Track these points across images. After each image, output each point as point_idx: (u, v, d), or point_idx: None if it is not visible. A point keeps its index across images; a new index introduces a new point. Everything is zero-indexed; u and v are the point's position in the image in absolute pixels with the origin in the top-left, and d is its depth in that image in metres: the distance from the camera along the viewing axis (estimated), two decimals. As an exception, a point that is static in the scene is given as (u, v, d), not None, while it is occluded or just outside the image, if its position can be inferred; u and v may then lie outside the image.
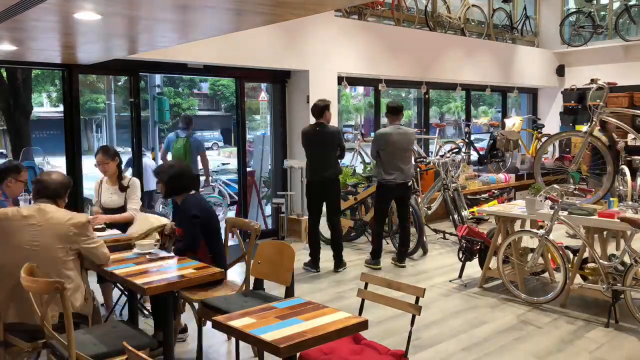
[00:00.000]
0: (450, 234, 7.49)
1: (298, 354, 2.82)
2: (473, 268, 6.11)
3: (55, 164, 14.51)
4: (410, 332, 3.10)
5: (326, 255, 7.30)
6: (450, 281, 6.00)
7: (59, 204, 3.58)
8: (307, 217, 6.75)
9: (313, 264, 6.67)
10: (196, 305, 4.08)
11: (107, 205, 5.06)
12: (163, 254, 4.01)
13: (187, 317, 4.63)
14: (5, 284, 3.35)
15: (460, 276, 6.02)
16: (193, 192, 4.40)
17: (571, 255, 5.50)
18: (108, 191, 5.09)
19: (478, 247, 5.88)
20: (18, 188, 4.57)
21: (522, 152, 10.83)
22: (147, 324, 4.73)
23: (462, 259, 5.99)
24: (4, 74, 10.82)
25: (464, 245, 5.95)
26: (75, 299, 3.42)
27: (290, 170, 8.22)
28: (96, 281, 4.76)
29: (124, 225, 4.88)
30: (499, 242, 5.54)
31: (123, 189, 5.07)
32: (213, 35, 4.99)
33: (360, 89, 23.63)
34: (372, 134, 10.17)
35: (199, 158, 8.36)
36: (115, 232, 4.74)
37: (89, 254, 3.56)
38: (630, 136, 9.61)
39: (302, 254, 7.27)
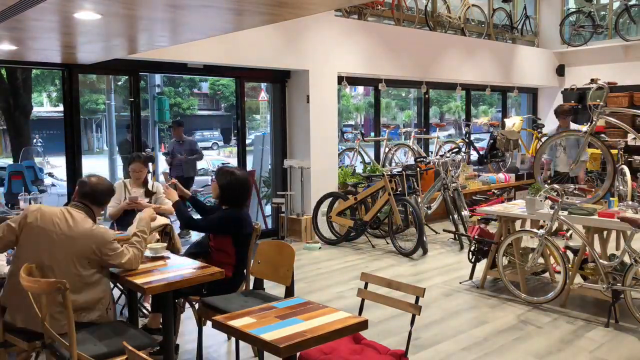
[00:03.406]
0: (462, 234, 7.48)
1: (298, 354, 2.82)
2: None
3: (56, 164, 14.51)
4: (410, 332, 3.10)
5: (326, 255, 7.31)
6: (460, 283, 5.99)
7: (94, 209, 3.51)
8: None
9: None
10: (196, 305, 4.08)
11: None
12: (172, 255, 4.00)
13: (187, 317, 4.63)
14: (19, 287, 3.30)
15: (471, 277, 6.02)
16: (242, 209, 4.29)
17: (571, 255, 5.50)
18: (135, 193, 5.37)
19: (488, 248, 5.83)
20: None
21: (522, 152, 10.83)
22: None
23: (473, 260, 5.98)
24: (4, 74, 10.82)
25: (475, 246, 5.92)
26: (92, 312, 3.33)
27: (290, 170, 8.22)
28: None
29: (122, 227, 4.92)
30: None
31: (149, 194, 5.42)
32: (213, 35, 4.99)
33: (360, 89, 23.64)
34: (372, 134, 10.18)
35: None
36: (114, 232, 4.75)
37: (116, 265, 3.46)
38: (630, 136, 9.61)
39: (301, 254, 7.28)
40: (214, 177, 4.44)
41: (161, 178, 10.49)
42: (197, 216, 4.55)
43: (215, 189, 4.29)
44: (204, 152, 10.20)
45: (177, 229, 5.02)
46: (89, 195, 3.52)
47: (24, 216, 3.39)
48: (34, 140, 22.16)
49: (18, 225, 3.38)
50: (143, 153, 8.34)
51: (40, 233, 3.32)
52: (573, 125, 7.69)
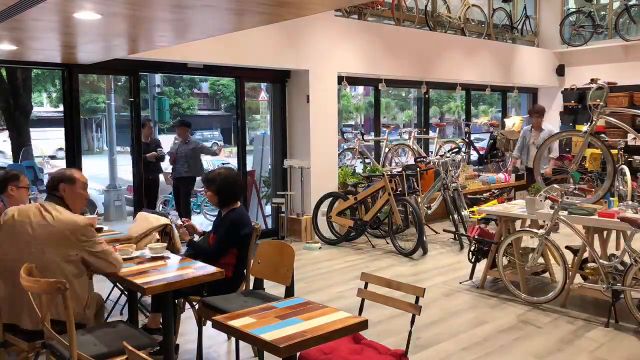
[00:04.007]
0: (462, 234, 7.49)
1: (298, 354, 2.82)
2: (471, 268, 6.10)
3: (55, 164, 14.52)
4: (410, 332, 3.10)
5: (326, 255, 7.31)
6: (460, 283, 5.99)
7: (64, 197, 3.49)
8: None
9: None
10: (196, 305, 4.08)
11: None
12: (172, 255, 4.00)
13: (187, 317, 4.63)
14: (3, 284, 3.33)
15: (471, 277, 6.02)
16: (239, 204, 4.34)
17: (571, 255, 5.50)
18: None
19: (488, 248, 5.83)
20: (22, 195, 4.47)
21: (522, 151, 10.81)
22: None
23: (473, 260, 5.98)
24: (4, 74, 10.83)
25: (475, 246, 5.93)
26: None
27: (290, 170, 8.22)
28: None
29: None
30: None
31: None
32: (213, 35, 4.99)
33: (360, 89, 23.65)
34: (372, 134, 10.18)
35: None
36: (115, 232, 4.76)
37: (96, 259, 3.38)
38: (630, 136, 9.60)
39: (301, 254, 7.28)
40: (204, 187, 4.47)
41: (161, 178, 10.49)
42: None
43: (212, 197, 4.29)
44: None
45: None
46: (56, 190, 3.50)
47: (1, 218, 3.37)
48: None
49: None
50: (154, 152, 8.38)
51: (21, 228, 3.32)
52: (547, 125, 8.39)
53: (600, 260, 4.80)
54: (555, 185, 5.39)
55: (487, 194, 9.06)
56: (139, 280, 3.39)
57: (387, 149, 9.51)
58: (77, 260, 3.34)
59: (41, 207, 3.39)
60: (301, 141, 8.22)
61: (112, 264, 3.46)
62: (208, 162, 15.06)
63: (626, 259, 4.71)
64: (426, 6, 9.88)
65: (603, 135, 9.16)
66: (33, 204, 3.48)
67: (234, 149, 10.58)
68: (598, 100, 5.54)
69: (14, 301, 3.29)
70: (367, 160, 9.34)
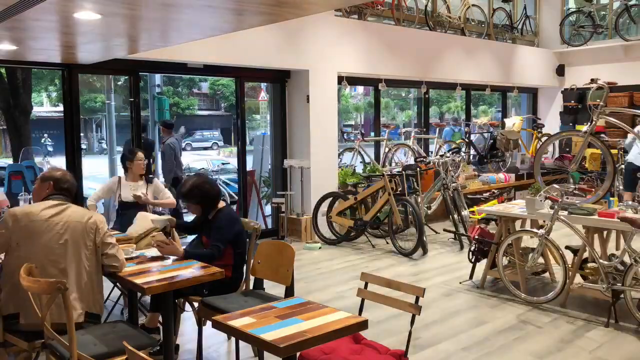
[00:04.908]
0: (462, 234, 7.49)
1: (298, 354, 2.82)
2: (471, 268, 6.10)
3: (55, 164, 14.52)
4: (410, 332, 3.10)
5: (326, 255, 7.31)
6: (460, 283, 5.99)
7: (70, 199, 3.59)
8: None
9: None
10: (196, 304, 4.08)
11: (127, 200, 5.43)
12: (172, 256, 3.99)
13: (187, 317, 4.63)
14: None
15: (471, 277, 6.02)
16: (224, 204, 4.34)
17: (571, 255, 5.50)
18: (128, 187, 5.49)
19: (488, 248, 5.82)
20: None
21: (522, 152, 10.83)
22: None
23: (473, 260, 5.98)
24: (4, 74, 10.82)
25: (475, 246, 5.92)
26: (94, 299, 3.40)
27: (290, 170, 8.22)
28: None
29: (122, 225, 4.95)
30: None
31: (150, 180, 5.63)
32: (213, 34, 4.98)
33: (360, 89, 23.65)
34: (372, 134, 10.19)
35: None
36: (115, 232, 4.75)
37: (108, 251, 3.47)
38: (630, 136, 9.61)
39: (301, 254, 7.28)
40: (182, 204, 4.45)
41: (161, 179, 10.50)
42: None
43: (196, 209, 4.24)
44: (204, 151, 10.13)
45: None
46: (67, 189, 3.58)
47: (13, 219, 3.36)
48: (42, 140, 22.20)
49: (7, 230, 3.34)
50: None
51: (40, 227, 3.33)
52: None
53: (600, 260, 4.80)
54: (555, 185, 5.39)
55: (487, 194, 9.07)
56: (139, 280, 3.39)
57: (387, 149, 9.51)
58: (98, 251, 3.44)
59: (51, 205, 3.43)
60: (301, 141, 8.22)
61: (119, 260, 3.53)
62: (208, 162, 15.04)
63: (626, 259, 4.71)
64: (426, 6, 9.88)
65: (603, 135, 9.18)
66: (41, 203, 3.48)
67: (234, 149, 10.57)
68: (598, 100, 5.54)
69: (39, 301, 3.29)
70: (367, 160, 9.34)
